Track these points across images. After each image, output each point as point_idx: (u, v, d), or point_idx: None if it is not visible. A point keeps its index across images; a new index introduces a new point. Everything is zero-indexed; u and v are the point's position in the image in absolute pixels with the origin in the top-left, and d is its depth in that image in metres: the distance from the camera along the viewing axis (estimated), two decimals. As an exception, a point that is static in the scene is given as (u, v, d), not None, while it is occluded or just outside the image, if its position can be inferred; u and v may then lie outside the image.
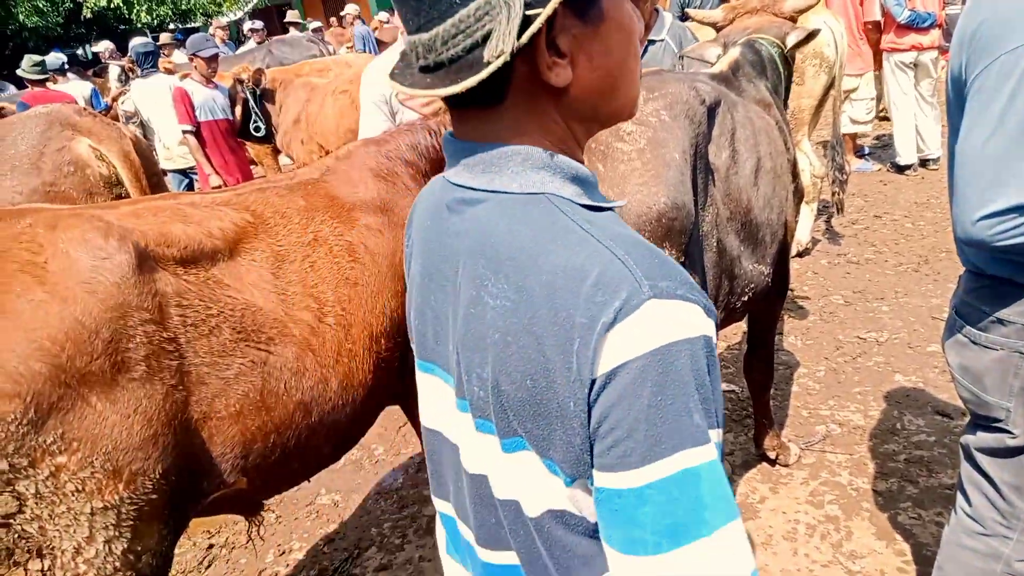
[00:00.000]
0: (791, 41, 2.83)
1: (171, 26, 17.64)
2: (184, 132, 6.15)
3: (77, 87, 8.19)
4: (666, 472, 0.75)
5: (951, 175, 1.64)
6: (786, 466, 3.27)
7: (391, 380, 2.32)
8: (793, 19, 2.94)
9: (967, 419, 1.89)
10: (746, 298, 2.42)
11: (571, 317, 0.77)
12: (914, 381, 3.78)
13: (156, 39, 13.75)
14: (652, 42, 3.75)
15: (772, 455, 3.26)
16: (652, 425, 0.74)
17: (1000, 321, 1.69)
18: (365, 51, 11.17)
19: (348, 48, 12.08)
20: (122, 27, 16.91)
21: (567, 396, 0.79)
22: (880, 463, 3.21)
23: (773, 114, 2.62)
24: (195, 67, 6.22)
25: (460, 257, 0.91)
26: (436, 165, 2.57)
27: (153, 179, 4.16)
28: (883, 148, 7.95)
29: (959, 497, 1.91)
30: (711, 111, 2.19)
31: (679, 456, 0.75)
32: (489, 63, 0.76)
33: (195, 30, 14.99)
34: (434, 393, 1.05)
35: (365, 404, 2.18)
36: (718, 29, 3.11)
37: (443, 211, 0.96)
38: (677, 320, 0.75)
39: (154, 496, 1.68)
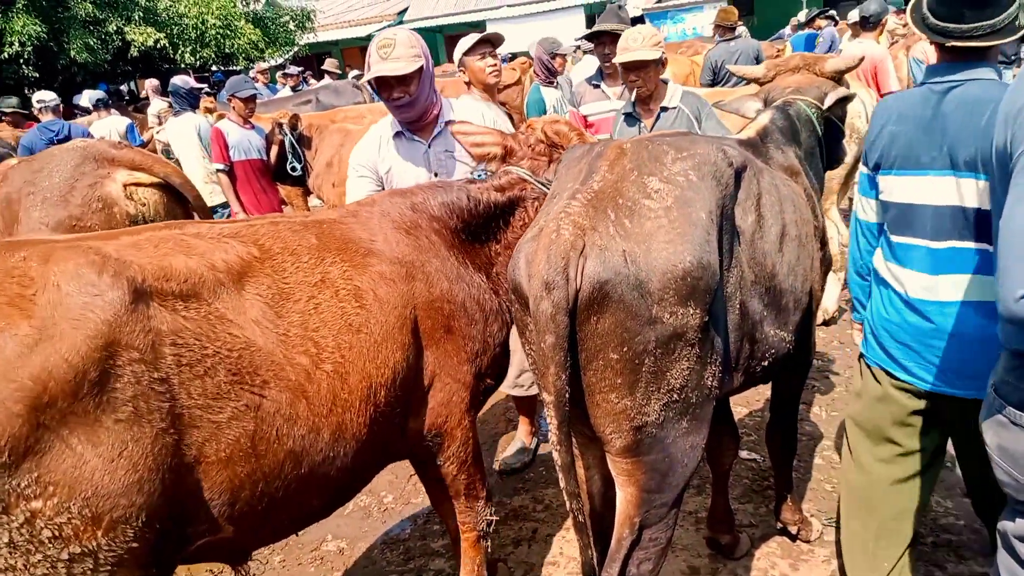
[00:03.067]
0: (828, 102, 2.84)
1: (213, 68, 18.12)
2: (217, 170, 6.24)
3: (114, 122, 8.39)
4: None
5: (995, 250, 1.56)
6: (807, 542, 3.11)
7: (390, 436, 2.21)
8: (836, 79, 2.91)
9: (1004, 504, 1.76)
10: (766, 363, 2.35)
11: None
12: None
13: (203, 79, 14.15)
14: (665, 109, 3.81)
15: (793, 529, 3.11)
16: None
17: None
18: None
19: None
20: (166, 66, 17.39)
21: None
22: (907, 546, 3.02)
23: (801, 182, 2.60)
24: (232, 107, 6.34)
25: (947, 109, 2.13)
26: (467, 224, 2.51)
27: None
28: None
29: None
30: (738, 174, 2.18)
31: None
32: None
33: (236, 72, 15.38)
34: (908, 185, 2.24)
35: (358, 458, 2.07)
36: (760, 84, 3.09)
37: (931, 96, 2.19)
38: None
39: (135, 544, 1.60)
